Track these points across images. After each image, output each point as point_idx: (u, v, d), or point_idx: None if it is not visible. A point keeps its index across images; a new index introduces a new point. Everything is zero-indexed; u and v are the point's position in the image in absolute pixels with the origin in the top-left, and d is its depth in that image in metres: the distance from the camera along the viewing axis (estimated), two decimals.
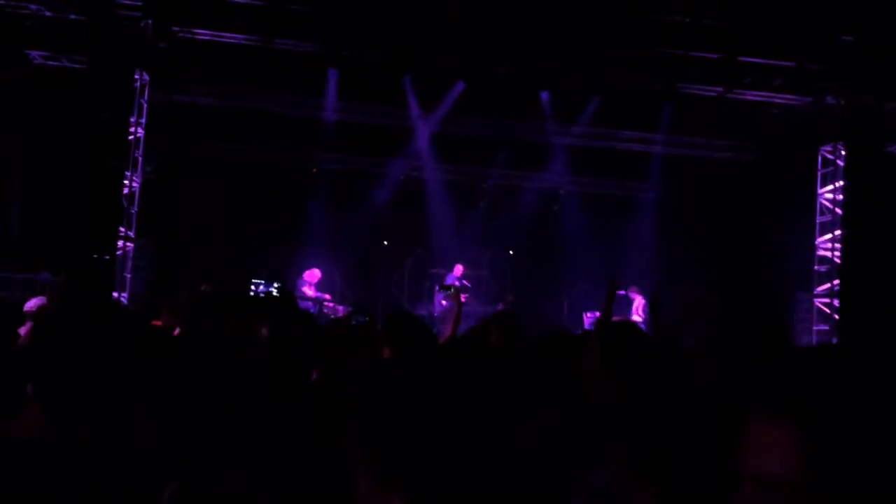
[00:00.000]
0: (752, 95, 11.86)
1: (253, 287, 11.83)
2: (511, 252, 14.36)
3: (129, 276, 11.19)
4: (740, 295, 13.20)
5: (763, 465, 0.93)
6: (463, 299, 12.76)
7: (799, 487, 0.90)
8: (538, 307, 13.90)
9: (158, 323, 4.59)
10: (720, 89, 11.75)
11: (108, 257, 9.69)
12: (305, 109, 13.03)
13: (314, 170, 14.47)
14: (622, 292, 12.14)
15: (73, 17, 10.55)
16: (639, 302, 12.65)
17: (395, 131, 13.60)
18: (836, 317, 11.82)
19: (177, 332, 4.06)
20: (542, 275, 14.68)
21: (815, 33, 10.71)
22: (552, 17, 10.36)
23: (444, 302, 12.91)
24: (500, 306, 12.81)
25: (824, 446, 0.90)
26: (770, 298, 12.99)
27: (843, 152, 12.07)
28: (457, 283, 13.01)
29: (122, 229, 10.83)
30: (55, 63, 11.39)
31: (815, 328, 12.33)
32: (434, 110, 13.09)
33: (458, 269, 13.09)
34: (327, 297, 12.31)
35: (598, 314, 12.41)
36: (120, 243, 10.77)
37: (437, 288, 13.04)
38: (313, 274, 12.37)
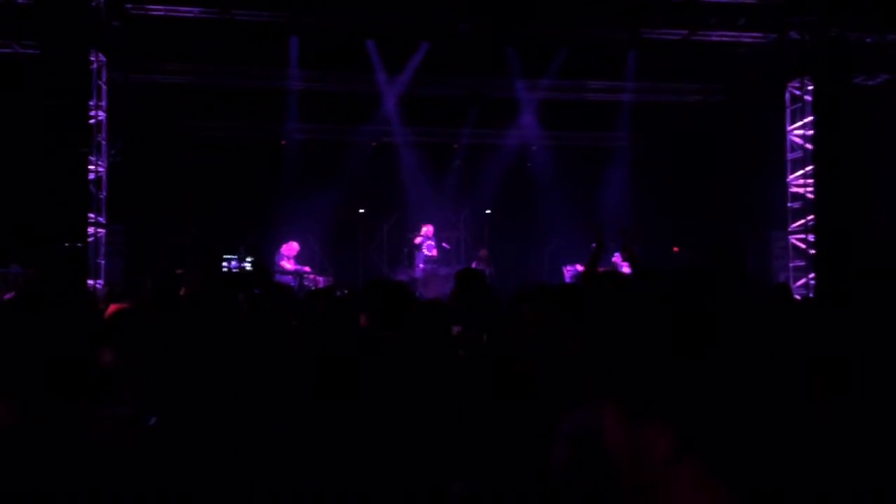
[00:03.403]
0: (716, 36, 11.82)
1: (225, 264, 11.75)
2: (488, 211, 14.35)
3: (102, 262, 11.06)
4: (717, 236, 13.29)
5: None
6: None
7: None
8: (518, 263, 13.93)
9: (120, 306, 4.50)
10: (684, 32, 11.69)
11: (79, 245, 9.54)
12: (269, 80, 12.86)
13: (283, 142, 14.30)
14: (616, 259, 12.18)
15: (21, 1, 10.26)
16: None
17: (362, 97, 13.46)
18: (812, 252, 11.95)
19: (152, 316, 3.99)
20: (521, 231, 14.70)
21: None
22: None
23: (421, 265, 12.90)
24: (474, 264, 12.83)
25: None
26: (746, 238, 13.10)
27: (810, 87, 12.09)
28: (432, 244, 12.99)
29: (91, 215, 10.67)
30: (7, 50, 11.11)
31: (791, 265, 12.47)
32: (400, 73, 12.94)
33: (429, 230, 13.05)
34: (307, 269, 12.26)
35: (578, 267, 12.49)
36: (91, 230, 10.62)
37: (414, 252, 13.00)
38: (291, 247, 12.31)
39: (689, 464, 0.87)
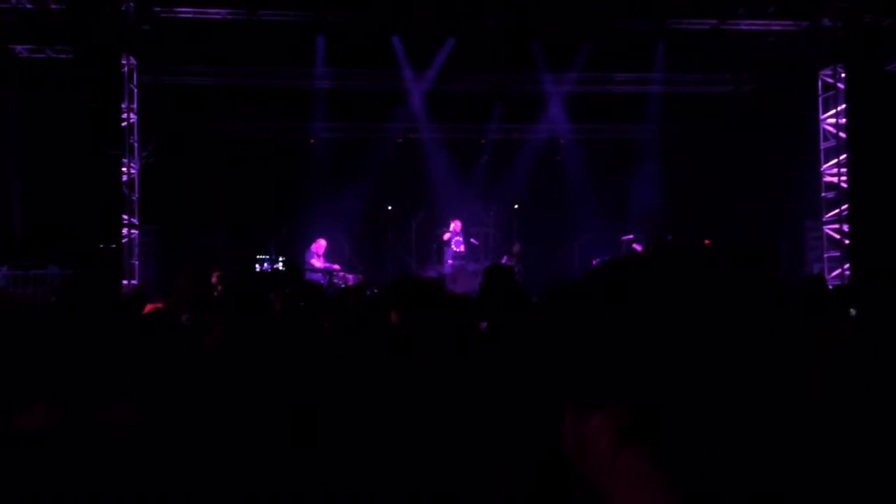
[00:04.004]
0: (746, 25, 11.65)
1: (258, 265, 11.87)
2: (516, 206, 14.30)
3: (136, 262, 11.23)
4: (750, 229, 13.14)
5: None
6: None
7: None
8: (548, 258, 13.89)
9: (157, 306, 4.58)
10: (714, 21, 11.54)
11: (114, 246, 9.69)
12: (296, 80, 12.93)
13: (312, 140, 14.39)
14: (636, 246, 12.11)
15: (54, 6, 10.43)
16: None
17: (389, 94, 13.48)
18: (847, 242, 11.76)
19: (183, 318, 4.05)
20: (550, 226, 14.64)
21: None
22: None
23: (450, 261, 12.91)
24: (505, 260, 12.81)
25: None
26: (779, 229, 12.93)
27: (842, 74, 11.88)
28: (460, 240, 13.00)
29: (125, 217, 10.84)
30: (40, 55, 11.31)
31: (826, 255, 12.28)
32: (426, 69, 12.94)
33: (457, 225, 13.06)
34: (336, 266, 12.33)
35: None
36: (125, 231, 10.78)
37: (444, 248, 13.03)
38: (319, 245, 12.40)
39: (633, 453, 0.88)
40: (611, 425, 0.90)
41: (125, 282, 10.53)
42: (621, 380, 0.90)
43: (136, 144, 11.29)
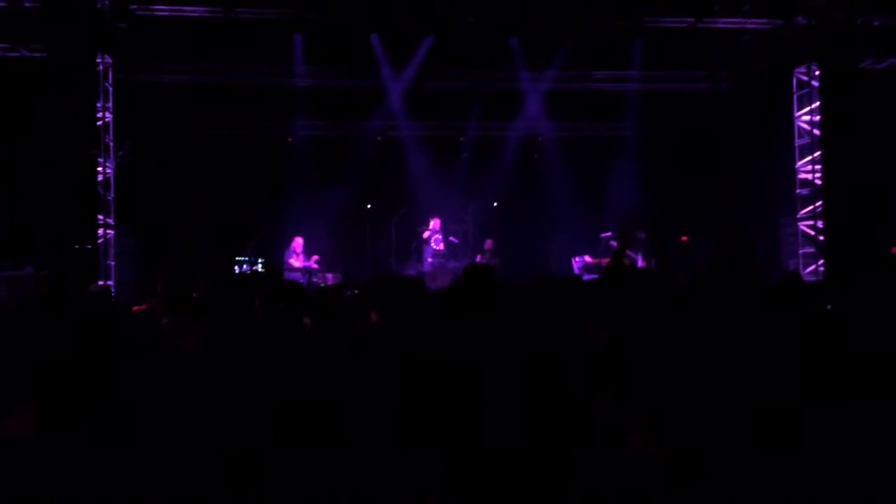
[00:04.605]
0: (722, 23, 11.76)
1: (237, 266, 11.81)
2: (495, 203, 14.32)
3: (112, 263, 11.11)
4: (726, 225, 13.25)
5: None
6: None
7: None
8: (526, 254, 13.93)
9: (142, 307, 4.55)
10: (690, 20, 11.64)
11: (89, 246, 9.59)
12: (275, 78, 12.87)
13: (290, 139, 14.32)
14: (612, 242, 12.15)
15: (28, 4, 10.29)
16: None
17: (368, 92, 13.45)
18: (821, 238, 11.91)
19: (165, 319, 4.03)
20: (529, 223, 14.68)
21: None
22: None
23: (429, 259, 12.92)
24: (479, 257, 12.86)
25: None
26: (756, 226, 13.06)
27: (816, 72, 12.02)
28: (440, 238, 13.01)
29: (100, 217, 10.72)
30: (14, 54, 11.16)
31: (801, 251, 12.42)
32: (405, 67, 12.93)
33: (436, 223, 13.08)
34: (315, 266, 12.28)
35: (587, 258, 12.49)
36: (100, 231, 10.67)
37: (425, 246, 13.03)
38: (297, 243, 12.38)
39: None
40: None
41: (101, 282, 10.43)
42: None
43: (111, 143, 11.17)
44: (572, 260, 12.93)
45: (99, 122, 10.74)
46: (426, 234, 12.99)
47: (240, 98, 13.18)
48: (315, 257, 12.32)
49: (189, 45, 11.71)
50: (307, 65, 12.48)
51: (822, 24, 11.33)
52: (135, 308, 3.22)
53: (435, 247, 12.97)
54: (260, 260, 11.79)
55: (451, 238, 13.29)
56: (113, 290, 10.69)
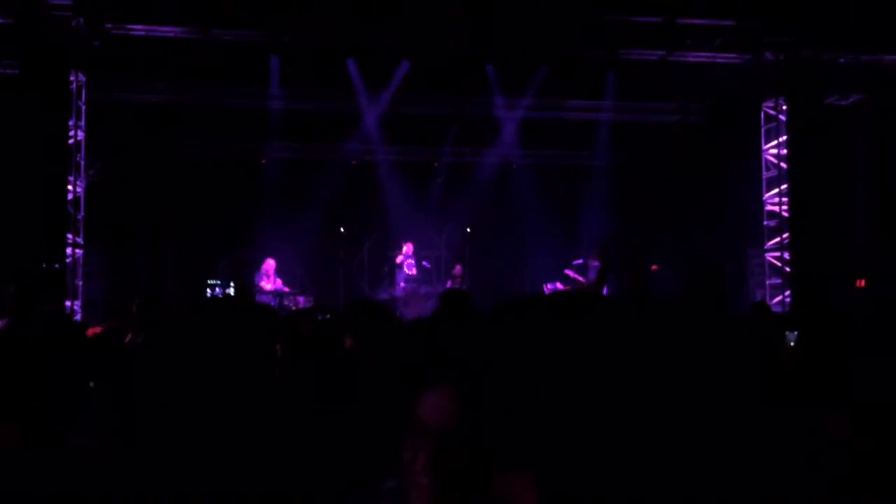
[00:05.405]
0: (693, 57, 11.99)
1: (209, 290, 11.71)
2: (468, 229, 14.39)
3: (80, 283, 10.95)
4: (695, 255, 13.43)
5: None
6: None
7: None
8: (498, 281, 13.97)
9: (96, 330, 4.49)
10: (662, 53, 11.86)
11: (57, 266, 9.46)
12: (249, 100, 12.84)
13: (263, 160, 14.29)
14: (595, 263, 12.19)
15: (0, 20, 10.21)
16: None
17: (343, 116, 13.48)
18: (788, 269, 12.11)
19: (128, 338, 3.98)
20: (501, 249, 14.76)
21: None
22: None
23: (402, 284, 12.91)
24: (448, 284, 12.88)
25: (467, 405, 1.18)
26: (725, 256, 13.24)
27: (784, 107, 12.30)
28: (412, 262, 13.01)
29: (69, 236, 10.58)
30: None
31: (767, 282, 12.61)
32: (380, 92, 12.99)
33: (409, 248, 13.09)
34: (286, 289, 12.21)
35: (558, 285, 12.54)
36: (69, 250, 10.52)
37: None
38: (269, 265, 12.30)
39: None
40: (534, 485, 0.90)
41: (67, 303, 10.27)
42: (548, 443, 0.90)
43: (82, 162, 11.05)
44: (544, 286, 12.99)
45: (70, 141, 10.64)
46: (399, 259, 12.99)
47: (214, 119, 13.13)
48: (286, 288, 12.21)
49: (164, 65, 11.67)
50: (282, 87, 12.47)
51: (789, 60, 11.62)
52: (91, 330, 3.19)
53: (408, 271, 12.96)
54: (231, 283, 11.71)
55: (423, 262, 13.31)
56: (79, 310, 10.54)
